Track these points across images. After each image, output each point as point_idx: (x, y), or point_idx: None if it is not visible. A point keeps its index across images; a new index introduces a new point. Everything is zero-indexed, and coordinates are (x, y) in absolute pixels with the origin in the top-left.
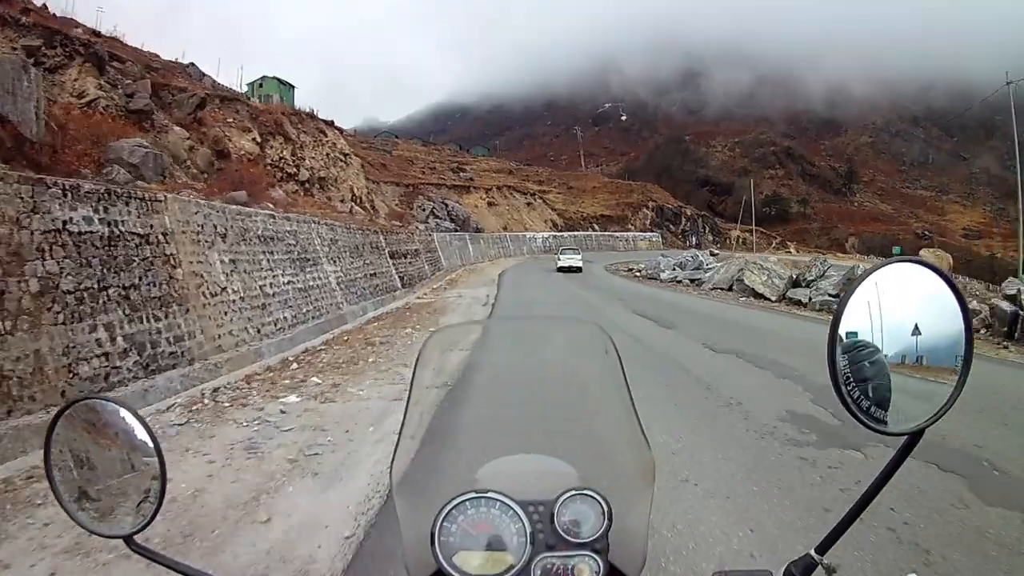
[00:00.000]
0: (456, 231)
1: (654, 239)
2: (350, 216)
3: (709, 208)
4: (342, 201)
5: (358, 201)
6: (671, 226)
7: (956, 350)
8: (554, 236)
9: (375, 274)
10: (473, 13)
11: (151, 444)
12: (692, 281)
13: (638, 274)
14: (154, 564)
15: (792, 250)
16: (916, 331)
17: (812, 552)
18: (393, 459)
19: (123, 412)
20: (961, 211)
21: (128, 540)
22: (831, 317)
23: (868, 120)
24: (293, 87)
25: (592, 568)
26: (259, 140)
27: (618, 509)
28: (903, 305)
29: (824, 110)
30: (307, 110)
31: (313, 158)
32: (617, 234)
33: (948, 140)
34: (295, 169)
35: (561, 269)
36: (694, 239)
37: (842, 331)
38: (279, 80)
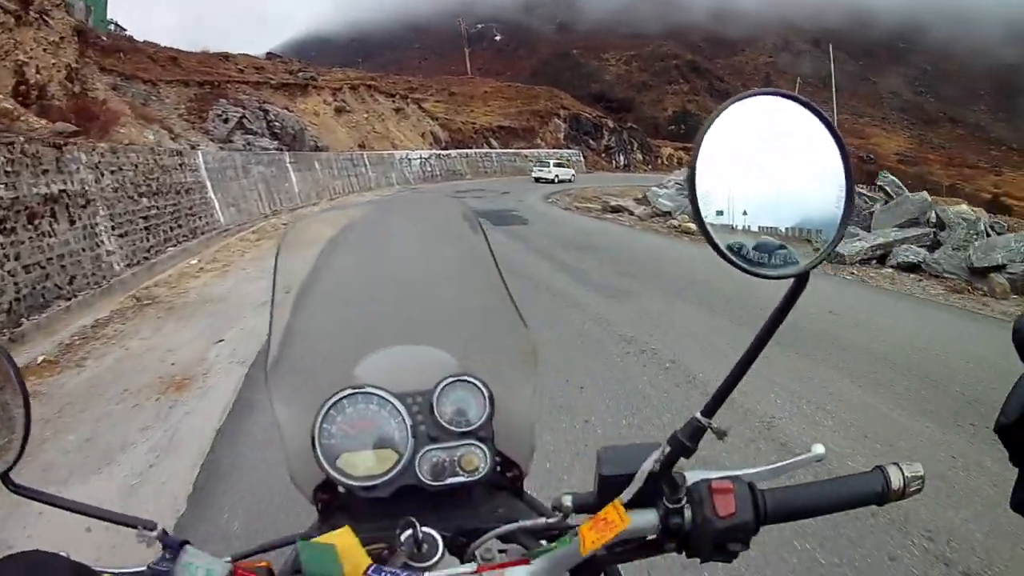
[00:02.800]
0: (281, 150)
1: (574, 158)
2: None
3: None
4: None
5: (27, 91)
6: (591, 141)
7: (836, 188)
8: (437, 155)
9: None
10: None
11: (12, 375)
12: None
13: (671, 222)
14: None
15: None
16: (791, 169)
17: (698, 415)
18: (267, 361)
19: None
20: (884, 135)
21: (4, 479)
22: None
23: (765, 39)
24: None
25: (479, 457)
26: None
27: (501, 395)
28: (773, 143)
29: (711, 25)
30: None
31: None
32: (524, 151)
33: (853, 63)
34: None
35: (540, 180)
36: (622, 158)
37: (701, 171)
38: None
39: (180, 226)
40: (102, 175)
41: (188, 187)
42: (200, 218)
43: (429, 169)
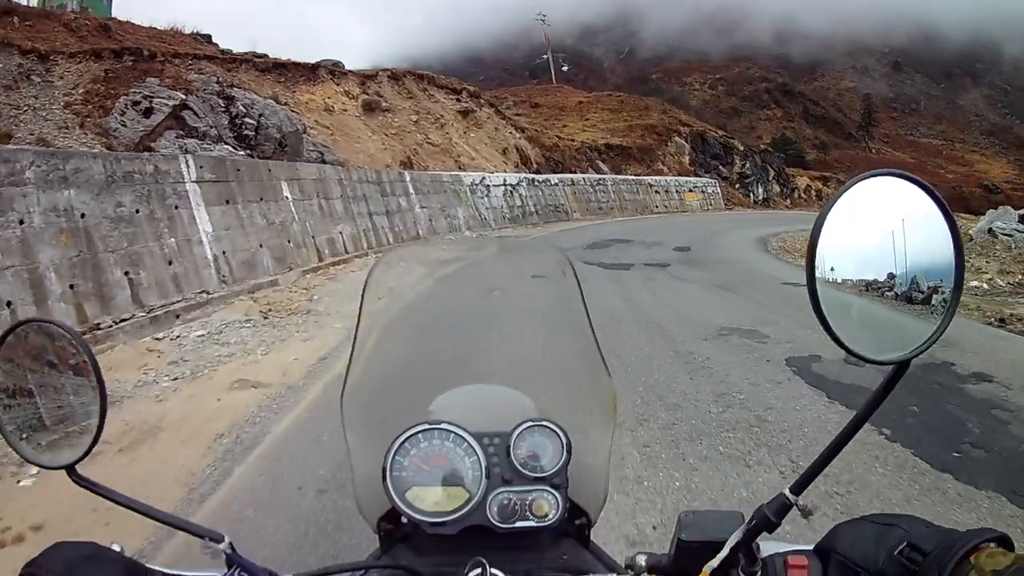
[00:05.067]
0: (249, 155)
1: (710, 189)
2: None
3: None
4: None
5: None
6: (721, 167)
7: (946, 276)
8: (529, 181)
9: None
10: None
11: (92, 370)
12: None
13: None
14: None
15: None
16: (903, 254)
17: (786, 492)
18: (343, 391)
19: (65, 335)
20: (985, 161)
21: (69, 470)
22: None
23: (837, 62)
24: None
25: (551, 503)
26: None
27: (578, 443)
28: (887, 226)
29: (776, 47)
30: None
31: None
32: (645, 179)
33: (935, 86)
34: None
35: None
36: (760, 189)
37: (821, 252)
38: None
39: None
40: None
41: None
42: None
43: (519, 203)
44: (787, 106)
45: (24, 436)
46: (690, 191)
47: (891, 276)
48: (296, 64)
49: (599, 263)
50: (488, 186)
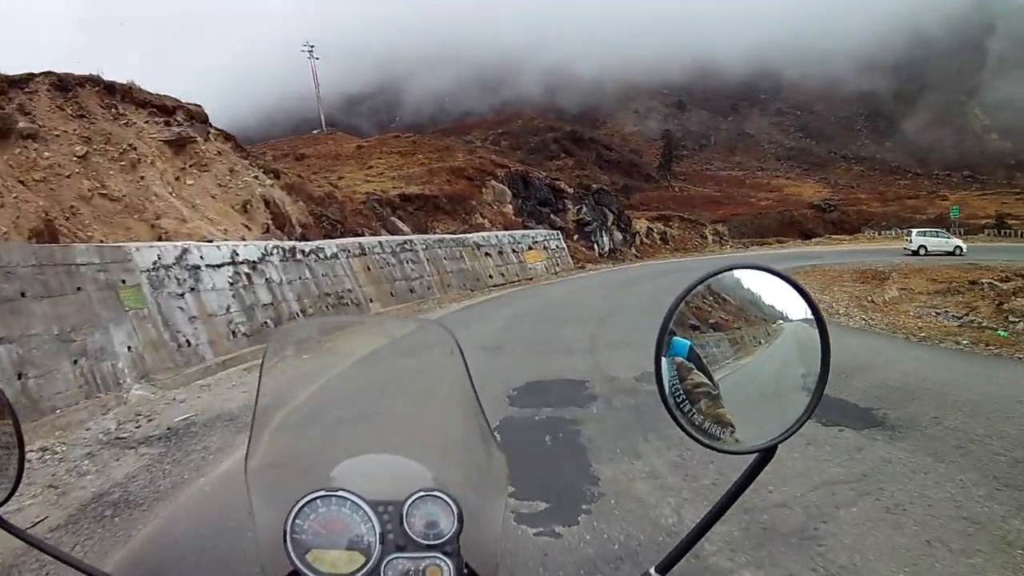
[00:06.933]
0: None
1: (553, 244)
2: None
3: None
4: None
5: None
6: (552, 214)
7: (810, 359)
8: (286, 251)
9: None
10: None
11: (8, 415)
12: None
13: None
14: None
15: (727, 244)
16: (763, 340)
17: (652, 571)
18: (247, 455)
19: None
20: (794, 185)
21: None
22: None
23: (611, 106)
24: None
25: (444, 570)
26: None
27: (472, 510)
28: (748, 313)
29: (544, 99)
30: None
31: None
32: (468, 237)
33: (723, 119)
34: None
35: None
36: (606, 239)
37: (672, 340)
38: None
39: None
40: None
41: None
42: None
43: (266, 297)
44: (578, 154)
45: None
46: (530, 248)
47: (753, 359)
48: None
49: None
50: (197, 268)
